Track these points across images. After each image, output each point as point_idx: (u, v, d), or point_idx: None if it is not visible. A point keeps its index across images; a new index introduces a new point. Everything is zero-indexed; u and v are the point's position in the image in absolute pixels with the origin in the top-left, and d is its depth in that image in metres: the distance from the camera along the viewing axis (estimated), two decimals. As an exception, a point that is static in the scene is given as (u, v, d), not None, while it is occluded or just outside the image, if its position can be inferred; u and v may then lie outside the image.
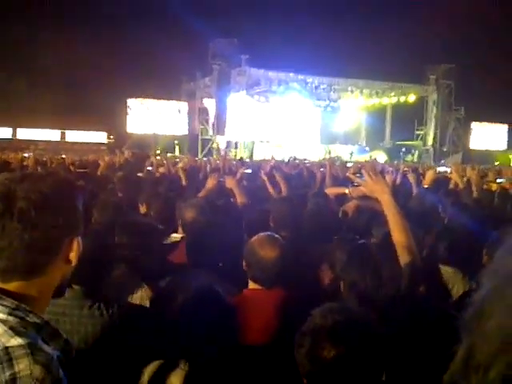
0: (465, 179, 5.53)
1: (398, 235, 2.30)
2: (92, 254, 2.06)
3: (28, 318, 1.13)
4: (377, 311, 1.93)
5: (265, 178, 5.65)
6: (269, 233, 2.64)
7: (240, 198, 4.44)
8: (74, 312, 2.08)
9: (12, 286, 1.16)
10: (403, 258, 2.24)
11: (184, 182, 6.36)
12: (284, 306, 2.39)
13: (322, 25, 30.97)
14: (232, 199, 4.68)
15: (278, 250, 2.48)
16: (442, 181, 7.07)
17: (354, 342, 1.53)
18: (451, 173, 6.48)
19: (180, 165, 7.38)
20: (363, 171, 2.49)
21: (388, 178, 4.51)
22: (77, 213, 1.23)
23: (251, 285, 2.54)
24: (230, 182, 4.62)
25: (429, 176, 5.26)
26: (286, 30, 30.71)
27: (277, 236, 2.61)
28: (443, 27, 31.71)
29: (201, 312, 1.92)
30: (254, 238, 2.57)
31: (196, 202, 3.85)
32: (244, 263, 2.53)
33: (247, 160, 19.15)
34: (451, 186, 6.09)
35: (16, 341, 1.06)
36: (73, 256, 1.22)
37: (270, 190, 5.37)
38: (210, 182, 4.60)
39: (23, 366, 1.03)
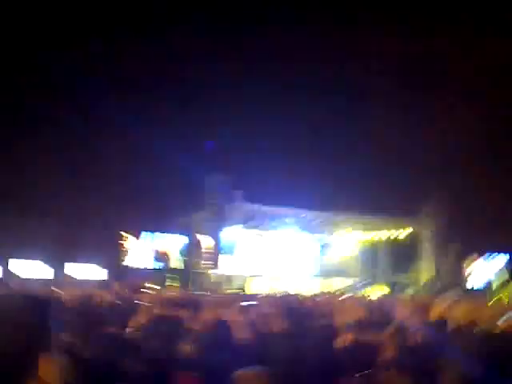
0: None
1: None
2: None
3: None
4: None
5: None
6: (255, 367, 2.55)
7: (240, 332, 4.26)
8: None
9: None
10: None
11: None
12: None
13: (313, 162, 32.06)
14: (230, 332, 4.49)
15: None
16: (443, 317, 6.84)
17: None
18: (452, 309, 6.23)
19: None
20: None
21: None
22: (38, 330, 1.22)
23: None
24: (229, 314, 4.47)
25: (436, 310, 5.04)
26: (279, 166, 31.78)
27: (263, 370, 2.52)
28: (435, 161, 32.81)
29: None
30: (241, 372, 2.47)
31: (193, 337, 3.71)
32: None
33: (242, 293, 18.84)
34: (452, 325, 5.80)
35: None
36: (43, 374, 1.21)
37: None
38: (208, 315, 4.44)
39: None
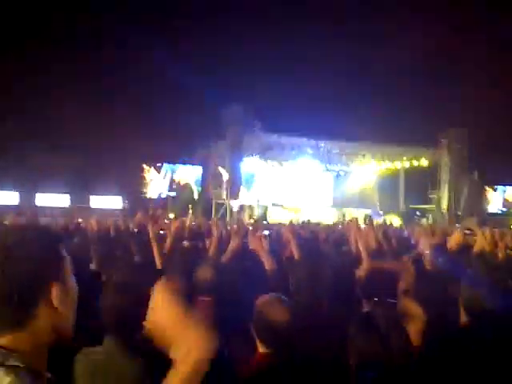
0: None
1: None
2: (117, 307, 2.15)
3: (7, 362, 1.15)
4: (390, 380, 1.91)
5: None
6: (274, 294, 2.63)
7: (266, 260, 4.28)
8: (111, 362, 2.09)
9: (3, 339, 1.20)
10: None
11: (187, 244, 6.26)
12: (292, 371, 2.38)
13: (334, 91, 31.60)
14: (251, 260, 4.58)
15: (286, 311, 2.49)
16: (464, 245, 6.87)
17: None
18: (475, 235, 6.20)
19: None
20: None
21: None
22: (47, 260, 1.26)
23: (260, 348, 2.51)
24: (254, 242, 4.45)
25: (455, 238, 5.03)
26: (298, 95, 31.41)
27: (283, 298, 2.59)
28: (455, 91, 32.10)
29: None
30: (261, 300, 2.55)
31: (213, 264, 3.78)
32: (253, 326, 2.51)
33: (264, 222, 19.11)
34: (471, 252, 5.83)
35: None
36: (56, 301, 1.24)
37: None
38: (233, 243, 4.50)
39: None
